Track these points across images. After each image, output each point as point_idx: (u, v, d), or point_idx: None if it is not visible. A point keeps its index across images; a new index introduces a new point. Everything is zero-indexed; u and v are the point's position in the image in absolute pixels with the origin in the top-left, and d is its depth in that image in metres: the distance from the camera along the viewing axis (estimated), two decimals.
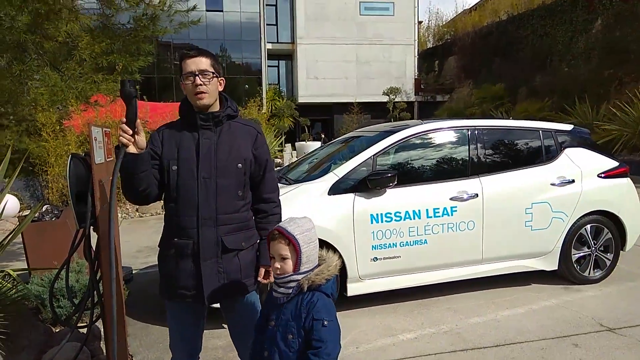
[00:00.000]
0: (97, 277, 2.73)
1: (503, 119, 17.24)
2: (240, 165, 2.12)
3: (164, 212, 2.22)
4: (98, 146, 2.58)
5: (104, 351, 3.14)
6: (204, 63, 2.06)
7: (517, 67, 22.19)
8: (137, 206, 10.39)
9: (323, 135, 25.98)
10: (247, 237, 2.18)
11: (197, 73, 2.04)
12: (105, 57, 4.52)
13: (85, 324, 3.15)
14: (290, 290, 1.80)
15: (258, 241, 2.23)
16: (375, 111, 24.80)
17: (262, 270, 2.19)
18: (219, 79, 2.12)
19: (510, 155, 4.51)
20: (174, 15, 5.05)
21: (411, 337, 3.55)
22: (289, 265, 1.80)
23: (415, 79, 28.40)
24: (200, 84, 2.04)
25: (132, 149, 1.96)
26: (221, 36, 25.74)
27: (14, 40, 3.83)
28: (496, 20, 25.39)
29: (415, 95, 28.20)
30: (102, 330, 3.38)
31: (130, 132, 1.96)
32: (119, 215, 9.71)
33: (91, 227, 2.59)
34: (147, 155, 2.05)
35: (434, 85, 29.81)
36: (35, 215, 4.47)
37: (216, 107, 2.15)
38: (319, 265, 1.84)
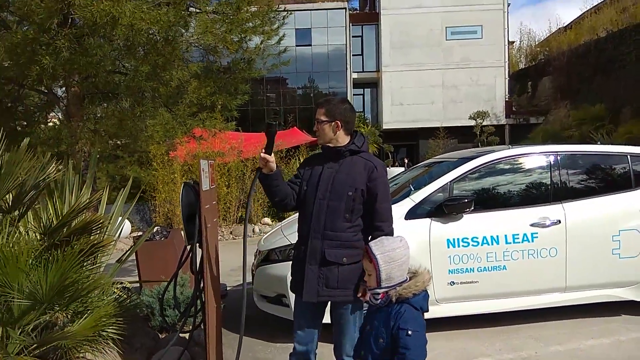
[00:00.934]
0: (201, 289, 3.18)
1: (604, 141, 16.18)
2: (350, 193, 2.52)
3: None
4: (204, 176, 3.06)
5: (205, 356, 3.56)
6: (319, 113, 2.64)
7: (619, 86, 20.73)
8: (232, 229, 11.19)
9: (407, 160, 25.90)
10: (350, 255, 2.54)
11: (316, 121, 2.64)
12: (209, 97, 5.17)
13: (189, 329, 3.62)
14: (378, 301, 2.09)
15: None
16: (463, 135, 24.30)
17: (362, 288, 2.50)
18: (333, 122, 2.59)
19: (595, 181, 4.43)
20: (267, 58, 5.63)
21: None
22: (373, 279, 2.11)
23: (506, 101, 27.47)
24: (316, 130, 2.66)
25: (265, 170, 2.53)
26: (309, 68, 26.92)
27: (136, 86, 4.57)
28: (594, 38, 24.00)
29: (506, 118, 27.22)
30: (202, 336, 3.83)
31: (268, 159, 2.50)
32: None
33: (197, 244, 3.06)
34: (277, 174, 2.58)
35: (527, 107, 28.58)
36: (148, 236, 5.14)
37: (342, 143, 2.63)
38: (410, 279, 2.10)
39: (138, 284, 5.14)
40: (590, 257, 4.17)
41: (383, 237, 2.27)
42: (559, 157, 4.42)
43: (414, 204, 4.18)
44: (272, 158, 2.52)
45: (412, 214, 4.14)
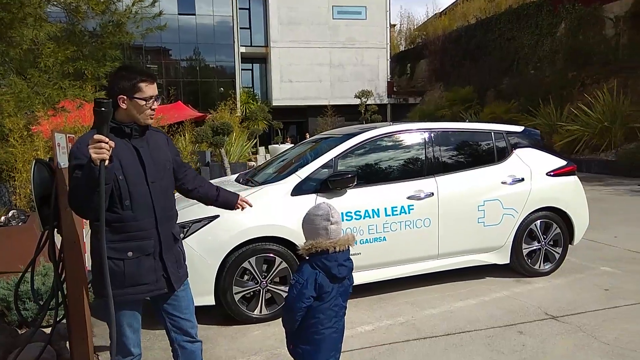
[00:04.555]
0: (62, 278, 2.84)
1: (472, 120, 17.71)
2: (169, 167, 2.42)
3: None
4: (61, 152, 2.69)
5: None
6: (156, 89, 2.29)
7: (485, 70, 22.81)
8: None
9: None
10: (179, 229, 2.54)
11: (155, 98, 2.25)
12: (72, 63, 4.60)
13: (51, 324, 3.23)
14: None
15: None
16: (349, 114, 25.05)
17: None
18: None
19: (464, 156, 4.77)
20: (140, 22, 5.15)
21: (369, 329, 3.75)
22: None
23: (387, 81, 28.85)
24: (156, 108, 2.27)
25: (98, 158, 1.95)
26: (194, 39, 25.67)
27: None
28: (465, 25, 26.02)
29: (388, 97, 28.66)
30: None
31: (110, 145, 1.98)
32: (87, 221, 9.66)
33: (55, 230, 2.71)
34: (113, 167, 2.09)
35: (406, 88, 30.34)
36: (1, 220, 4.51)
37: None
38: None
39: None
40: (460, 226, 4.50)
41: (326, 205, 2.30)
42: (433, 134, 4.67)
43: (299, 180, 4.16)
44: (111, 142, 1.98)
45: (298, 190, 4.11)
